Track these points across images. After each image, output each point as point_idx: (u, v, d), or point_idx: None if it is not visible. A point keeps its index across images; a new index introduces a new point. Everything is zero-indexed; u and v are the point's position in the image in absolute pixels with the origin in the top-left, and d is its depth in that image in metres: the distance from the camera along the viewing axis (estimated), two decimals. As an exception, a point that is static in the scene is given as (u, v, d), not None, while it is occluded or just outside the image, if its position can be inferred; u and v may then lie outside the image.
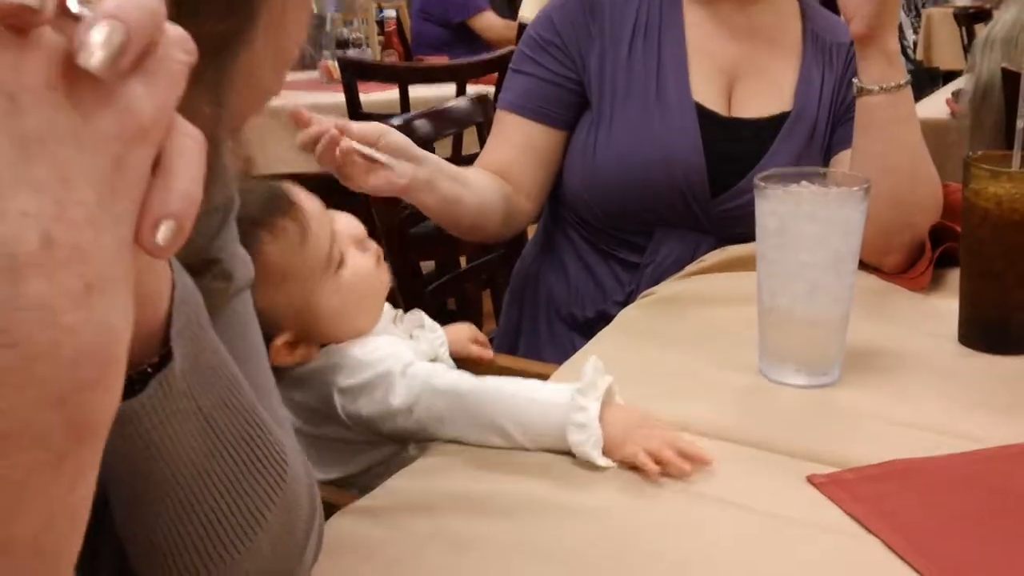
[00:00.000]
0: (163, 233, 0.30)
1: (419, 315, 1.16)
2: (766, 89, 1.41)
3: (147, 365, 0.45)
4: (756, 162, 1.37)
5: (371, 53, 3.64)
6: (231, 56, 0.45)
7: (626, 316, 1.18)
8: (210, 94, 0.44)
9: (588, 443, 0.81)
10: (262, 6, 0.45)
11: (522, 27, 3.55)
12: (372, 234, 1.10)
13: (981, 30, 1.94)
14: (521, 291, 1.53)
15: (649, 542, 0.72)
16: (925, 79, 5.37)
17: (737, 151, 1.37)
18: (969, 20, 4.56)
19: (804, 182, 0.98)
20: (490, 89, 2.59)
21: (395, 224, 1.53)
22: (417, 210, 1.30)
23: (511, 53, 1.52)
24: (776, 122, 1.40)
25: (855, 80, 1.18)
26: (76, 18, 0.28)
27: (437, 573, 0.70)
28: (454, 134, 1.96)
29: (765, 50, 1.43)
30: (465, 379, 0.90)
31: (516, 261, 1.60)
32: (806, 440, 0.86)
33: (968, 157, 1.04)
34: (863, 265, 1.10)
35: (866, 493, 0.76)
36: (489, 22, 4.79)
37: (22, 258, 0.27)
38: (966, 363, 1.02)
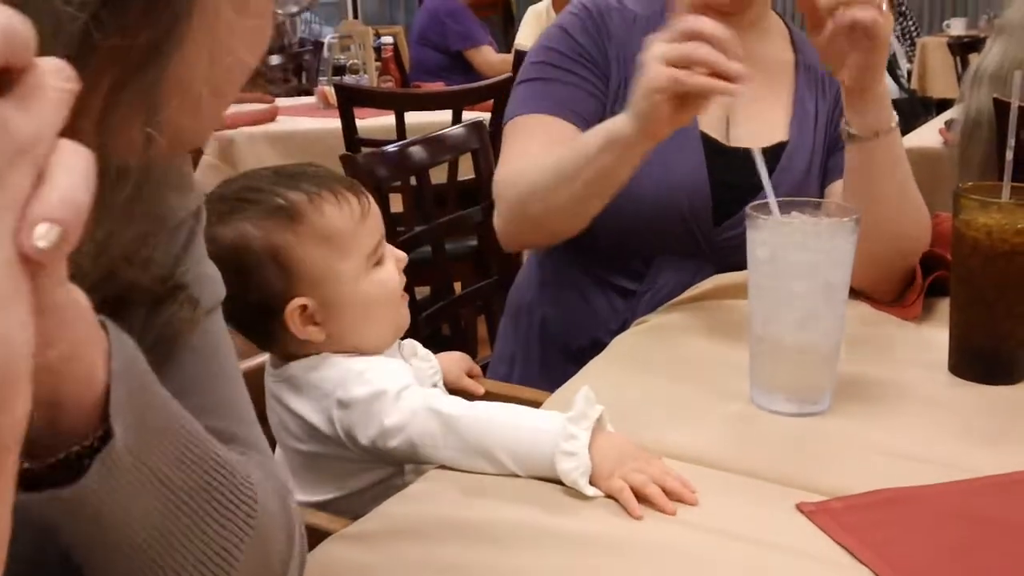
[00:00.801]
0: (42, 236, 0.30)
1: (413, 345, 1.17)
2: (762, 119, 1.42)
3: (93, 439, 0.45)
4: (758, 191, 1.37)
5: (368, 79, 3.66)
6: (159, 67, 0.44)
7: (619, 344, 1.18)
8: (140, 105, 0.44)
9: (576, 472, 0.81)
10: (188, 13, 0.44)
11: (519, 54, 3.56)
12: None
13: (975, 59, 1.95)
14: (515, 318, 1.53)
15: (638, 570, 0.72)
16: (919, 108, 5.41)
17: (739, 180, 1.38)
18: (964, 49, 4.58)
19: (795, 212, 0.99)
20: (486, 116, 2.61)
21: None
22: (412, 236, 1.28)
23: (508, 80, 1.52)
24: (775, 152, 1.40)
25: (844, 125, 1.18)
26: None
27: (428, 600, 0.70)
28: (449, 160, 1.98)
29: (760, 80, 1.44)
30: (459, 404, 0.91)
31: (511, 287, 1.60)
32: (796, 468, 0.86)
33: (958, 188, 1.05)
34: (854, 294, 1.11)
35: (855, 522, 0.77)
36: (486, 57, 4.84)
37: None
38: (957, 393, 1.03)
